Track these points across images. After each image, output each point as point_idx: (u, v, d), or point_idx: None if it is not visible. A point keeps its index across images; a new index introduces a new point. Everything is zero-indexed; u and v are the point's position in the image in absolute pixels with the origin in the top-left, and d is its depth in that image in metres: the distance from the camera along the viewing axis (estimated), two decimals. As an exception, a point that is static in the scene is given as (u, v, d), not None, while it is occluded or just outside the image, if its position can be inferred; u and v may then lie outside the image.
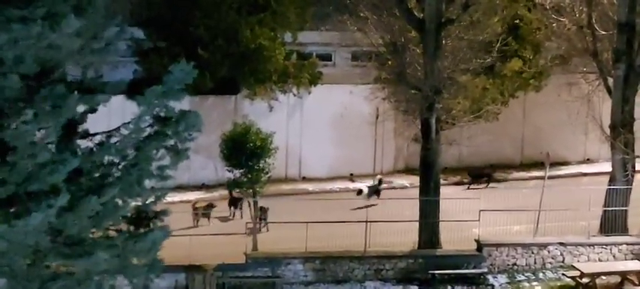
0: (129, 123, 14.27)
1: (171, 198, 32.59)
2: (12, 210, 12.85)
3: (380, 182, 37.31)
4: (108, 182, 14.04)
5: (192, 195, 36.14)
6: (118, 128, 14.42)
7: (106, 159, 14.36)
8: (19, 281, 13.47)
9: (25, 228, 12.67)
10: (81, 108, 14.49)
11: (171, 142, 14.64)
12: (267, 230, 31.90)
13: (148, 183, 14.75)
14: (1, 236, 12.57)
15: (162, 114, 14.57)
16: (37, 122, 13.14)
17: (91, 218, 13.76)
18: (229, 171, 30.47)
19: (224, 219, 33.57)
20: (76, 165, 13.52)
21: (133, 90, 14.77)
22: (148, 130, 14.48)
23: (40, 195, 12.93)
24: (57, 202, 12.84)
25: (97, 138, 14.38)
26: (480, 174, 39.27)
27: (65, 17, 12.72)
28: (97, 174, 14.06)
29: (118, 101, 14.95)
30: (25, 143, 12.95)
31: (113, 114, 15.62)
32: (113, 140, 14.28)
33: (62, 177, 13.18)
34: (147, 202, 15.24)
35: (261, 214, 31.84)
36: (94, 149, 14.17)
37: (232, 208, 33.71)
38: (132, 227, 15.31)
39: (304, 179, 39.62)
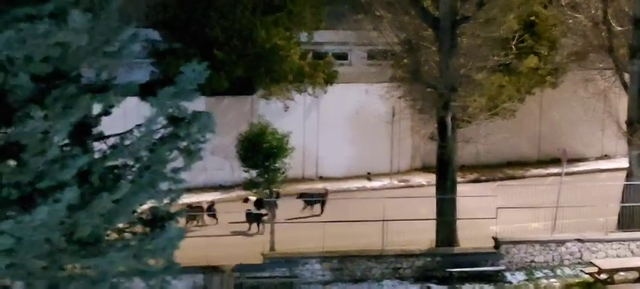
0: (141, 125, 14.28)
1: (188, 199, 33.13)
2: (19, 208, 12.84)
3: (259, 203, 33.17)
4: (121, 183, 14.03)
5: (208, 197, 36.26)
6: (131, 130, 14.42)
7: (120, 161, 14.37)
8: (34, 283, 13.50)
9: (31, 224, 12.63)
10: (95, 110, 14.52)
11: (185, 144, 14.62)
12: (262, 233, 31.85)
13: (162, 184, 14.74)
14: (8, 232, 12.56)
15: (175, 115, 14.56)
16: (48, 121, 13.12)
17: (103, 216, 13.74)
18: (245, 172, 30.49)
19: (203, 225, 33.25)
20: (87, 161, 13.50)
21: (146, 91, 14.78)
22: (161, 132, 14.47)
23: (48, 192, 12.92)
24: (64, 196, 12.83)
25: (111, 141, 14.39)
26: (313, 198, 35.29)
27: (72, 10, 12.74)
28: (110, 176, 14.06)
29: (134, 103, 14.97)
30: (35, 140, 12.95)
31: (128, 117, 15.59)
32: (126, 142, 14.28)
33: (72, 172, 13.14)
34: (162, 204, 15.23)
35: (256, 217, 31.98)
36: (107, 151, 14.18)
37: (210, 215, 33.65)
38: (147, 229, 15.31)
39: (321, 178, 39.65)
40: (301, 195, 35.20)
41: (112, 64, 14.88)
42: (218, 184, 37.64)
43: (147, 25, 36.13)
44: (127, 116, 15.37)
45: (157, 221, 15.29)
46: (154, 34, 36.62)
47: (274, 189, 30.66)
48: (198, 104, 14.83)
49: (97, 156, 14.29)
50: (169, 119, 14.61)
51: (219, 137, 34.37)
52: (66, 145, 13.96)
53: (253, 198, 32.96)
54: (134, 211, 15.00)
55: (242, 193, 34.32)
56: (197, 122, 14.68)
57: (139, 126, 14.51)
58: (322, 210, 34.60)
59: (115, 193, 13.88)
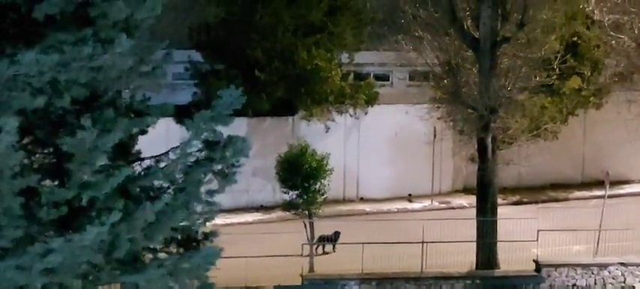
0: (177, 147, 14.41)
1: (230, 219, 33.25)
2: (69, 227, 13.03)
3: None
4: (157, 201, 14.17)
5: (250, 217, 36.41)
6: (167, 152, 14.56)
7: (155, 183, 14.50)
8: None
9: (80, 243, 12.83)
10: (133, 131, 14.67)
11: (219, 167, 14.72)
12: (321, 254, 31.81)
13: (196, 206, 14.85)
14: (57, 250, 12.76)
15: (210, 139, 14.67)
16: (92, 134, 13.25)
17: (143, 230, 13.89)
18: (285, 193, 30.56)
19: None
20: (130, 172, 13.68)
21: (183, 113, 14.93)
22: (196, 155, 14.59)
23: (94, 210, 13.09)
24: (110, 219, 13.01)
25: (146, 163, 14.53)
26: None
27: (115, 38, 12.92)
28: (144, 197, 14.20)
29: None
30: (83, 150, 13.10)
31: (171, 137, 15.57)
32: (161, 164, 14.42)
33: (118, 181, 13.33)
34: (196, 225, 15.34)
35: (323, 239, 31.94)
36: (142, 173, 14.33)
37: None
38: (181, 249, 15.44)
39: (362, 199, 39.61)
40: None
41: (146, 85, 15.02)
42: (260, 205, 37.74)
43: (189, 47, 36.47)
44: (170, 135, 15.37)
45: (191, 242, 15.43)
46: (197, 56, 36.93)
47: None
48: (240, 125, 14.91)
49: (132, 176, 14.45)
50: (204, 142, 14.74)
51: (260, 158, 35.05)
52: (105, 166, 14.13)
53: None
54: (173, 229, 15.14)
55: (283, 214, 34.32)
56: (232, 146, 14.78)
57: (174, 148, 14.66)
58: None
59: (158, 204, 14.03)
